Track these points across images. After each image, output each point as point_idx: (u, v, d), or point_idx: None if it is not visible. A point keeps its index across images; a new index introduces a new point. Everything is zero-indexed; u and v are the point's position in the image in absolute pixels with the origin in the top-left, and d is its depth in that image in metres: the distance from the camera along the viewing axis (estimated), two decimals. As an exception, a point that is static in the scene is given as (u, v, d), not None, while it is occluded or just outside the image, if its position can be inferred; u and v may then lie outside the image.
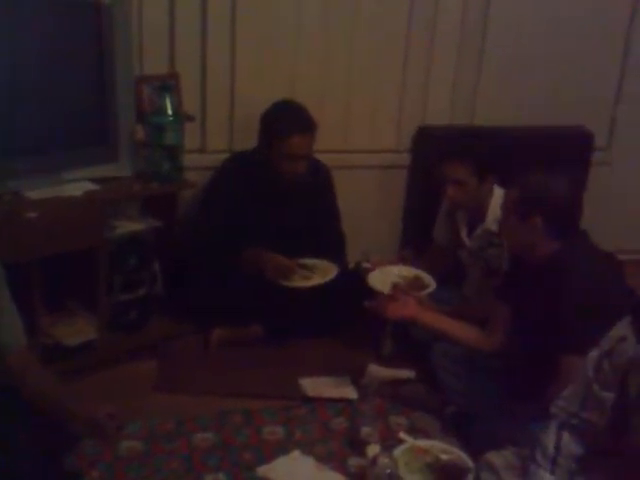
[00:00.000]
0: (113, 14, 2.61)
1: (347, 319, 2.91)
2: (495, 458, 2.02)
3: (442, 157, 2.78)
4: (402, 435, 2.35)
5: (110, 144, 2.72)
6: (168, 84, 2.90)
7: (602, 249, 2.39)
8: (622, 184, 3.78)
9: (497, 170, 2.78)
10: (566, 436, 1.85)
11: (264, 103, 2.93)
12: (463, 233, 2.90)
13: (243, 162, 3.01)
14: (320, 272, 2.89)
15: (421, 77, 3.39)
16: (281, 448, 2.33)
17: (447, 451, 2.30)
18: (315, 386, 2.65)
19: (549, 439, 1.86)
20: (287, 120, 2.87)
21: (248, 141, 3.02)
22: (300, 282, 2.84)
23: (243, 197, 2.95)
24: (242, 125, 3.16)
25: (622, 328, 1.78)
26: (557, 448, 1.84)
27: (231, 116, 3.19)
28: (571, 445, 1.84)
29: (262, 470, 2.18)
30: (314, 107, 2.96)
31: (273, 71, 3.18)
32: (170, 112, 2.85)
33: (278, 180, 2.92)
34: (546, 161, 3.09)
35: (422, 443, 2.33)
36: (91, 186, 2.66)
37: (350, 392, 2.64)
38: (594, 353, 1.83)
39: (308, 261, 2.92)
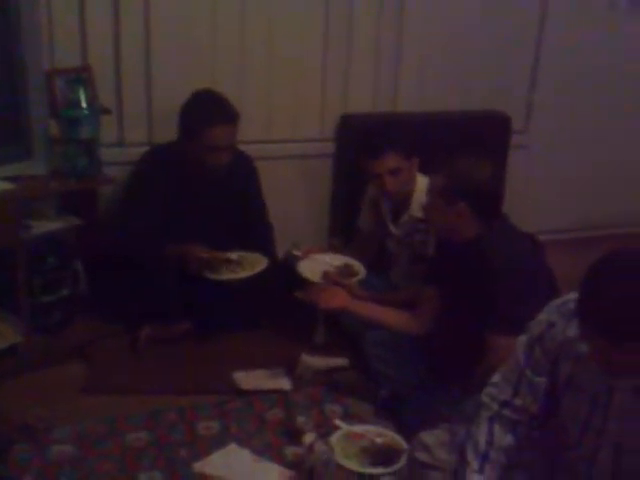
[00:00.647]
0: (20, 7, 2.57)
1: (278, 310, 2.96)
2: (427, 437, 2.09)
3: (368, 151, 2.83)
4: (337, 422, 2.42)
5: (23, 141, 2.69)
6: (81, 77, 2.88)
7: (522, 230, 2.52)
8: (539, 166, 3.95)
9: (420, 156, 2.87)
10: (498, 428, 1.88)
11: (183, 94, 2.93)
12: (388, 221, 2.99)
13: (164, 155, 3.01)
14: (248, 264, 2.91)
15: (342, 65, 3.44)
16: (217, 443, 2.36)
17: (381, 434, 2.39)
18: (249, 379, 2.69)
19: (481, 433, 1.89)
20: (208, 110, 2.87)
21: (168, 133, 3.01)
22: (228, 275, 2.87)
23: (165, 191, 2.94)
24: (161, 117, 3.16)
25: (550, 313, 1.83)
26: (489, 443, 1.88)
27: (149, 108, 3.18)
28: (503, 437, 1.88)
29: (198, 466, 2.21)
30: (234, 97, 2.98)
31: (191, 61, 3.18)
32: (84, 105, 2.83)
33: (201, 172, 2.93)
34: (467, 145, 3.23)
35: (357, 428, 2.41)
36: (5, 185, 2.61)
37: (284, 383, 2.69)
38: (524, 337, 1.88)
39: (236, 254, 2.95)
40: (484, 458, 1.87)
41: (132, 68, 3.11)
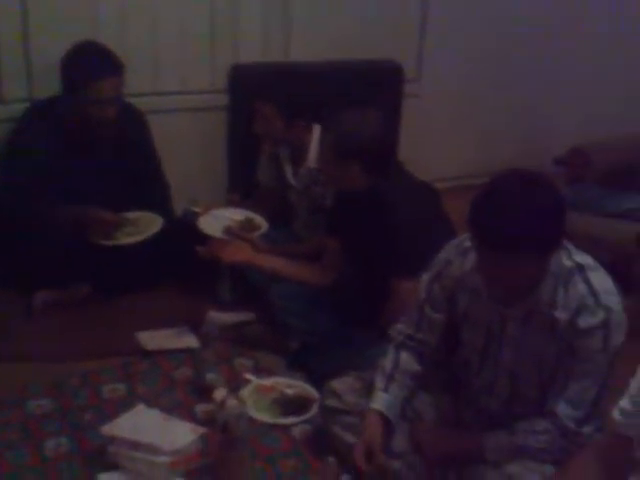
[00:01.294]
0: None
1: (180, 268, 2.94)
2: (337, 384, 2.18)
3: (255, 96, 2.86)
4: (247, 376, 2.47)
5: None
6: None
7: (418, 179, 2.60)
8: (433, 114, 4.06)
9: (313, 106, 2.90)
10: (404, 355, 2.04)
11: (64, 47, 2.83)
12: (288, 173, 3.01)
13: (46, 110, 2.91)
14: (145, 225, 2.88)
15: (230, 12, 3.40)
16: (124, 405, 2.35)
17: (292, 385, 2.45)
18: (154, 339, 2.68)
19: (387, 360, 2.05)
20: (91, 62, 2.80)
21: (50, 88, 2.92)
22: (125, 239, 2.82)
23: (49, 147, 2.85)
24: (42, 71, 3.04)
25: (449, 252, 1.98)
26: (395, 365, 2.03)
27: (28, 62, 3.06)
28: (409, 362, 2.04)
29: (107, 429, 2.19)
30: (117, 48, 2.89)
31: (71, 13, 3.06)
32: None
33: (87, 127, 2.86)
34: (360, 94, 3.28)
35: (267, 381, 2.46)
36: None
37: (191, 341, 2.70)
38: (425, 277, 2.02)
39: (131, 215, 2.90)
40: (389, 378, 2.02)
41: (7, 23, 2.98)
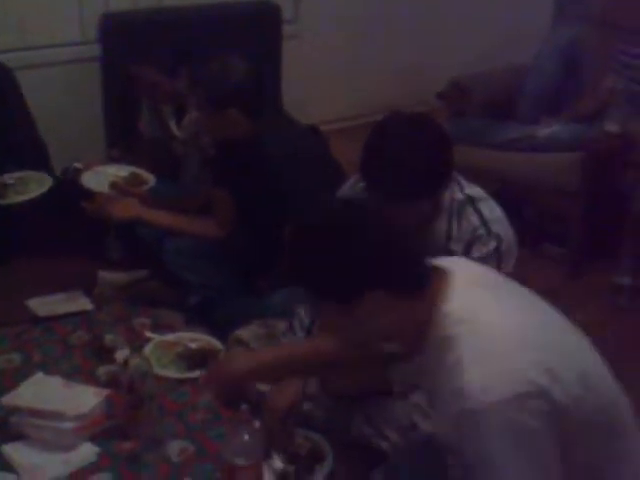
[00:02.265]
0: None
1: (65, 230, 2.87)
2: (243, 333, 2.22)
3: (129, 54, 2.79)
4: (148, 334, 2.46)
5: None
6: None
7: (302, 123, 2.63)
8: (313, 56, 4.07)
9: (192, 53, 2.87)
10: None
11: None
12: (172, 125, 2.98)
13: None
14: (35, 183, 2.77)
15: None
16: (22, 374, 2.29)
17: (195, 339, 2.46)
18: (45, 305, 2.62)
19: (304, 313, 2.08)
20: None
21: None
22: (15, 198, 2.70)
23: None
24: None
25: (343, 193, 2.02)
26: (312, 321, 2.06)
27: None
28: None
29: (6, 399, 2.15)
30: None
31: None
32: None
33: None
34: (237, 37, 3.26)
35: (169, 337, 2.46)
36: None
37: (84, 304, 2.65)
38: None
39: (20, 174, 2.79)
40: (308, 332, 2.06)
41: None
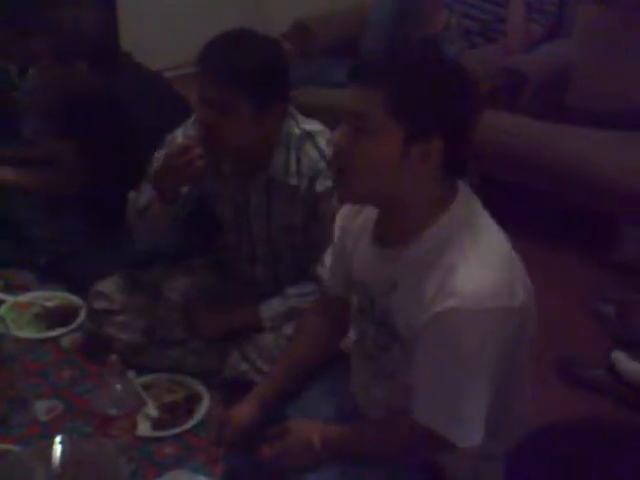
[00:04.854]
0: None
1: None
2: (104, 286, 2.21)
3: None
4: (1, 296, 2.41)
5: None
6: None
7: (148, 69, 2.60)
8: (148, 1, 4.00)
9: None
10: None
11: None
12: (14, 74, 2.86)
13: None
14: None
15: None
16: None
17: (52, 297, 2.44)
18: None
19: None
20: None
21: None
22: None
23: None
24: None
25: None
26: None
27: None
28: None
29: None
30: None
31: None
32: None
33: None
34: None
35: (23, 297, 2.43)
36: None
37: None
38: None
39: None
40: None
41: None
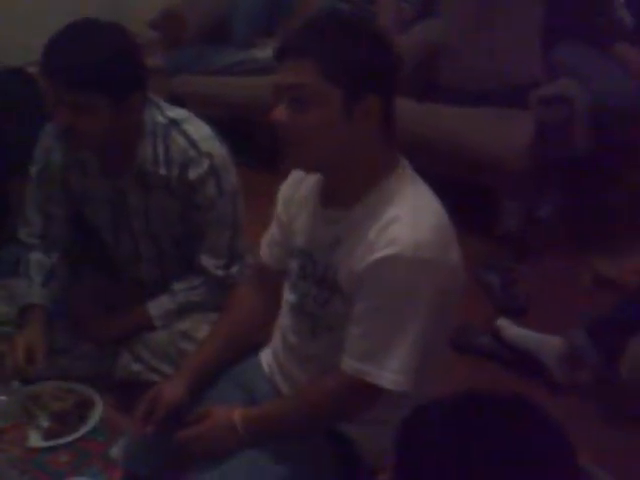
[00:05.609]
0: None
1: None
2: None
3: None
4: None
5: None
6: None
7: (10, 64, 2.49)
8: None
9: None
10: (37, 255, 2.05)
11: None
12: None
13: None
14: None
15: None
16: None
17: None
18: None
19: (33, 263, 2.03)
20: None
21: None
22: None
23: None
24: None
25: (45, 138, 1.97)
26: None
27: None
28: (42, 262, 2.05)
29: None
30: None
31: None
32: None
33: None
34: None
35: None
36: None
37: None
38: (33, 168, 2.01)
39: None
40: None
41: None
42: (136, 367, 1.92)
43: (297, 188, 1.58)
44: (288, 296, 1.58)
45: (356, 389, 1.41)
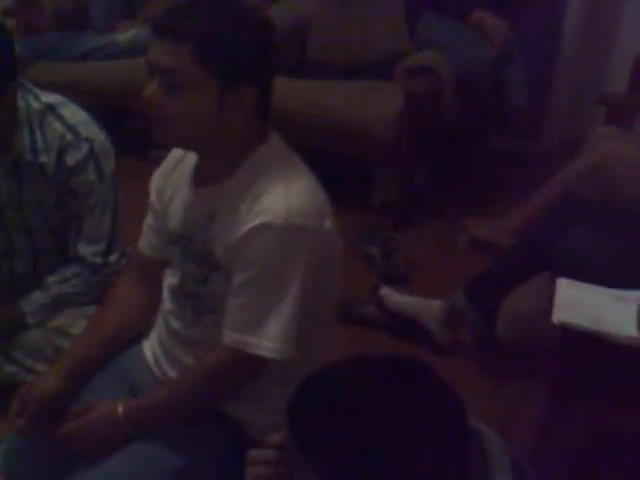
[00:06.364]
0: None
1: None
2: None
3: None
4: None
5: None
6: None
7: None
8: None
9: None
10: None
11: None
12: None
13: None
14: None
15: None
16: None
17: None
18: None
19: None
20: None
21: None
22: None
23: None
24: None
25: None
26: None
27: None
28: None
29: None
30: None
31: None
32: None
33: None
34: None
35: None
36: None
37: None
38: None
39: None
40: None
41: None
42: (9, 368, 1.85)
43: (169, 175, 1.56)
44: (170, 280, 1.56)
45: (237, 361, 1.41)
